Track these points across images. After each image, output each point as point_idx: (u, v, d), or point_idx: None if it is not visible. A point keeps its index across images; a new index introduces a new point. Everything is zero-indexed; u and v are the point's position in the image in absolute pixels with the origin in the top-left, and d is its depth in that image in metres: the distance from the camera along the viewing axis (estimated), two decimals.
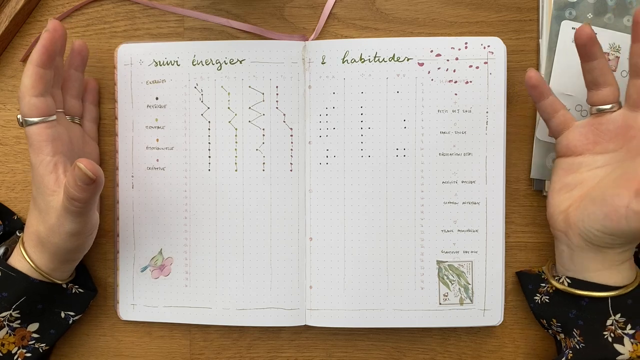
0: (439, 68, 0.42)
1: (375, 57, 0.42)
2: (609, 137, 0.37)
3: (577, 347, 0.38)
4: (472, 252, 0.42)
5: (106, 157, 0.45)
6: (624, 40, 0.42)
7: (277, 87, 0.43)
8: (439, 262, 0.42)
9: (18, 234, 0.42)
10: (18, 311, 0.39)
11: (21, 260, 0.39)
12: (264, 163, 0.43)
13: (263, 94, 0.43)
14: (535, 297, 0.41)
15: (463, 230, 0.42)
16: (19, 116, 0.37)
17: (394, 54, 0.42)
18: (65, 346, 0.45)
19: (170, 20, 0.44)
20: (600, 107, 0.37)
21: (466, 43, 0.42)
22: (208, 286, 0.43)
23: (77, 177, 0.34)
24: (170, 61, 0.43)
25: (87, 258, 0.45)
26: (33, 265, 0.38)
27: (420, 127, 0.42)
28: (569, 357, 0.38)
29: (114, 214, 0.44)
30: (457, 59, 0.42)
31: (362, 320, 0.42)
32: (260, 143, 0.43)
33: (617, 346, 0.36)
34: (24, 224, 0.42)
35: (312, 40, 0.43)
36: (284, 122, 0.43)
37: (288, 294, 0.43)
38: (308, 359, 0.44)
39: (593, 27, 0.42)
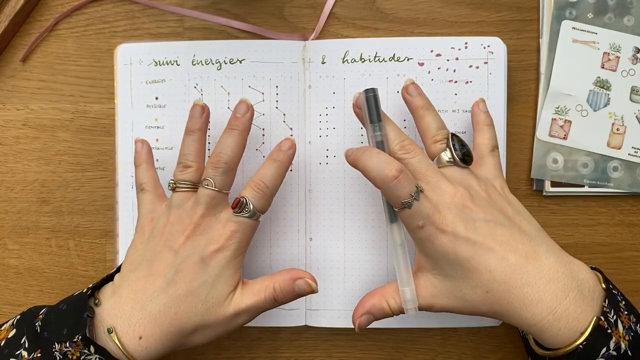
0: (439, 68, 0.42)
1: (375, 57, 0.42)
2: None
3: None
4: None
5: (106, 157, 0.44)
6: (623, 40, 0.42)
7: (277, 86, 0.43)
8: None
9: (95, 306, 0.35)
10: None
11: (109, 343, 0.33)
12: None
13: (263, 93, 0.43)
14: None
15: None
16: (252, 209, 0.36)
17: (394, 54, 0.42)
18: None
19: (170, 20, 0.44)
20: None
21: (466, 43, 0.42)
22: None
23: (300, 291, 0.36)
24: (170, 61, 0.43)
25: (86, 258, 0.45)
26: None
27: None
28: None
29: (114, 214, 0.44)
30: (457, 59, 0.42)
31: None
32: (260, 143, 0.43)
33: None
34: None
35: (312, 40, 0.43)
36: (284, 122, 0.43)
37: None
38: (308, 359, 0.44)
39: (593, 27, 0.42)
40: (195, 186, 0.37)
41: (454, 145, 0.36)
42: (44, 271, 0.45)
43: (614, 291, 0.33)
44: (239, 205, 0.36)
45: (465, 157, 0.36)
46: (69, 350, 0.32)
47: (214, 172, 0.36)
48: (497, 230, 0.33)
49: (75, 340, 0.32)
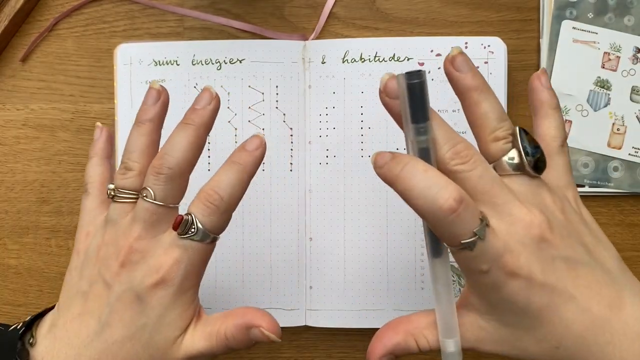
0: (439, 68, 0.42)
1: (375, 56, 0.42)
2: None
3: None
4: None
5: None
6: (624, 40, 0.42)
7: (277, 86, 0.43)
8: None
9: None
10: None
11: None
12: (263, 163, 0.42)
13: (263, 93, 0.43)
14: None
15: None
16: (200, 230, 0.28)
17: (394, 54, 0.42)
18: None
19: (169, 19, 0.44)
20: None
21: (466, 43, 0.42)
22: (208, 286, 0.43)
23: (255, 339, 0.29)
24: (170, 61, 0.43)
25: None
26: None
27: None
28: None
29: None
30: None
31: (362, 320, 0.42)
32: None
33: None
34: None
35: (312, 39, 0.43)
36: (284, 122, 0.43)
37: (288, 294, 0.42)
38: (308, 359, 0.44)
39: (593, 27, 0.42)
40: (138, 195, 0.29)
41: (524, 146, 0.27)
42: (44, 271, 0.45)
43: None
44: (182, 225, 0.28)
45: (538, 164, 0.27)
46: None
47: (155, 180, 0.28)
48: (580, 272, 0.26)
49: None
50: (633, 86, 0.42)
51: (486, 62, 0.42)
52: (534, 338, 0.26)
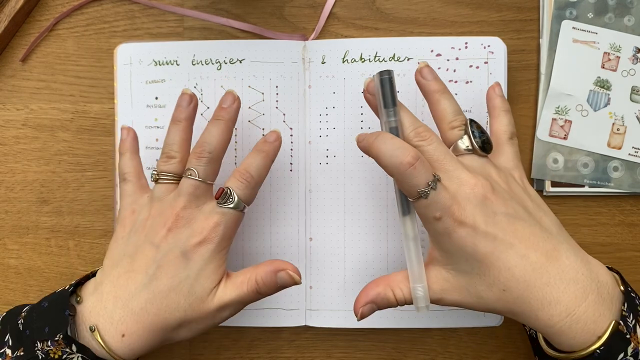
0: (439, 68, 0.42)
1: (375, 57, 0.42)
2: None
3: None
4: None
5: (106, 157, 0.44)
6: (624, 40, 0.42)
7: (277, 86, 0.43)
8: None
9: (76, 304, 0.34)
10: None
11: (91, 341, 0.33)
12: None
13: (263, 93, 0.43)
14: None
15: None
16: (236, 200, 0.35)
17: (394, 54, 0.42)
18: None
19: (169, 19, 0.44)
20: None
21: (466, 43, 0.42)
22: None
23: (282, 282, 0.34)
24: (170, 61, 0.43)
25: (86, 258, 0.45)
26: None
27: None
28: None
29: (114, 214, 0.44)
30: (457, 58, 0.42)
31: (362, 320, 0.42)
32: None
33: None
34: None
35: (312, 39, 0.43)
36: (284, 122, 0.43)
37: (288, 294, 0.42)
38: (308, 359, 0.44)
39: (593, 27, 0.42)
40: (178, 178, 0.36)
41: (472, 132, 0.34)
42: (44, 271, 0.45)
43: (632, 294, 0.32)
44: (222, 196, 0.35)
45: (485, 145, 0.34)
46: (51, 349, 0.32)
47: (197, 162, 0.35)
48: (518, 225, 0.32)
49: (57, 339, 0.32)
50: (633, 86, 0.42)
51: (486, 62, 0.42)
52: (486, 283, 0.32)
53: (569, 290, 0.30)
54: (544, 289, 0.31)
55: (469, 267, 0.32)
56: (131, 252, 0.35)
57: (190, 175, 0.35)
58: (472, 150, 0.34)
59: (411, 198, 0.33)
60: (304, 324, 0.43)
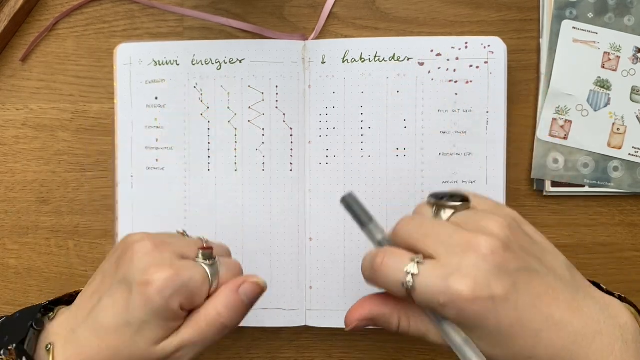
0: (439, 68, 0.42)
1: (375, 56, 0.42)
2: None
3: None
4: None
5: (106, 157, 0.44)
6: (624, 40, 0.42)
7: (276, 86, 0.43)
8: None
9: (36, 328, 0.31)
10: None
11: None
12: (263, 163, 0.43)
13: (263, 93, 0.43)
14: None
15: None
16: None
17: (394, 54, 0.42)
18: None
19: (169, 19, 0.44)
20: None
21: (466, 43, 0.42)
22: None
23: (248, 296, 0.30)
24: (170, 61, 0.43)
25: (86, 258, 0.45)
26: None
27: (420, 127, 0.42)
28: None
29: (114, 214, 0.44)
30: (457, 58, 0.42)
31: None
32: (260, 143, 0.43)
33: None
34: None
35: (312, 39, 0.43)
36: (284, 121, 0.43)
37: (288, 295, 0.42)
38: (308, 359, 0.44)
39: (593, 27, 0.42)
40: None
41: (436, 196, 0.30)
42: (44, 271, 0.45)
43: None
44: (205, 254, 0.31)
45: (454, 197, 0.30)
46: (2, 358, 0.29)
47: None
48: (535, 281, 0.28)
49: (9, 348, 0.29)
50: (633, 86, 0.42)
51: (486, 62, 0.42)
52: (510, 353, 0.28)
53: (595, 346, 0.27)
54: (570, 348, 0.27)
55: (491, 342, 0.28)
56: (106, 270, 0.32)
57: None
58: (453, 208, 0.30)
59: (402, 295, 0.28)
60: (304, 324, 0.43)
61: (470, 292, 0.26)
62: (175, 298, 0.29)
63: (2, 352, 0.29)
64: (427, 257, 0.28)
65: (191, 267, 0.30)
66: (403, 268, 0.27)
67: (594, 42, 0.42)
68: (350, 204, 0.31)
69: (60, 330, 0.31)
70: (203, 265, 0.31)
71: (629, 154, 0.42)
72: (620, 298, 0.31)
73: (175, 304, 0.29)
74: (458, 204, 0.30)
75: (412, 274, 0.27)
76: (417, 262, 0.27)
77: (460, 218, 0.29)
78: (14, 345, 0.29)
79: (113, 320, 0.29)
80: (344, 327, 0.31)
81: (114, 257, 0.32)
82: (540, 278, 0.28)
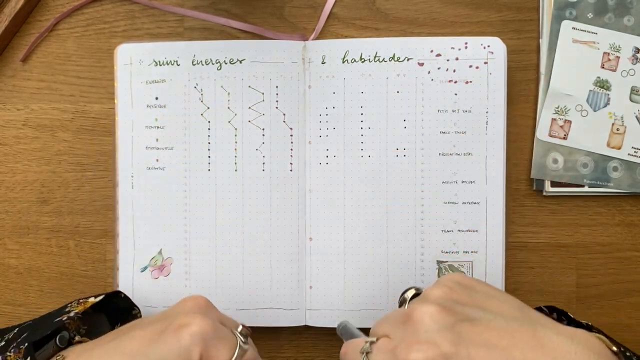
0: (439, 68, 0.42)
1: (375, 57, 0.42)
2: None
3: None
4: (472, 252, 0.42)
5: (106, 157, 0.44)
6: (623, 40, 0.42)
7: (277, 87, 0.43)
8: (439, 262, 0.42)
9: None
10: None
11: None
12: (263, 163, 0.43)
13: (263, 93, 0.43)
14: None
15: (463, 230, 0.42)
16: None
17: (394, 54, 0.42)
18: None
19: (170, 20, 0.44)
20: None
21: (466, 43, 0.42)
22: (208, 286, 0.43)
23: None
24: (170, 61, 0.43)
25: (86, 258, 0.45)
26: None
27: (420, 127, 0.42)
28: None
29: (114, 214, 0.44)
30: (457, 59, 0.42)
31: (362, 320, 0.42)
32: (260, 143, 0.43)
33: None
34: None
35: (312, 40, 0.43)
36: (284, 122, 0.43)
37: (288, 294, 0.42)
38: (308, 359, 0.44)
39: (593, 27, 0.42)
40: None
41: (406, 293, 0.33)
42: (44, 271, 0.45)
43: (627, 353, 0.29)
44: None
45: (411, 291, 0.33)
46: (10, 355, 0.30)
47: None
48: (480, 327, 0.28)
49: (21, 346, 0.30)
50: (632, 86, 0.42)
51: (486, 62, 0.42)
52: None
53: None
54: None
55: None
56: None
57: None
58: (416, 294, 0.33)
59: None
60: (304, 324, 0.43)
61: (423, 357, 0.27)
62: (201, 346, 0.29)
63: (12, 350, 0.30)
64: (383, 337, 0.30)
65: (228, 332, 0.32)
66: (359, 351, 0.30)
67: (594, 42, 0.42)
68: (343, 334, 0.36)
69: (78, 348, 0.32)
70: (238, 337, 0.32)
71: (629, 154, 0.42)
72: (587, 327, 0.31)
73: (197, 352, 0.29)
74: (412, 294, 0.33)
75: (367, 353, 0.30)
76: (370, 343, 0.30)
77: (412, 302, 0.32)
78: (26, 344, 0.30)
79: (135, 349, 0.30)
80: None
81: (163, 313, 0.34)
82: (486, 323, 0.28)
